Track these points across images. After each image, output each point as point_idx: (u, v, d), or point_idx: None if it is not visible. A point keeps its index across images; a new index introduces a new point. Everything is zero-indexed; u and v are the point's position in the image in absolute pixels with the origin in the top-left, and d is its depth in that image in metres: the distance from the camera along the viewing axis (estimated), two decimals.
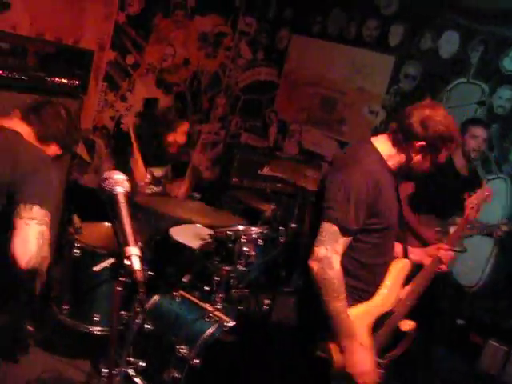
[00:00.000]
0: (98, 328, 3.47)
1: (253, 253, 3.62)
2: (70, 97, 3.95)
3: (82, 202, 3.92)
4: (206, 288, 3.63)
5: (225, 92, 6.28)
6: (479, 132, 4.23)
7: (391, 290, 2.63)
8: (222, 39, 6.08)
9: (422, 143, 2.47)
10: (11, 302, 2.63)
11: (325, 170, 5.67)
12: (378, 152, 2.53)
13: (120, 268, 1.59)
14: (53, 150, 2.37)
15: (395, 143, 2.53)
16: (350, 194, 2.36)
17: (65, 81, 3.97)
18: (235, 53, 6.26)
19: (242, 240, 3.59)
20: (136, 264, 1.58)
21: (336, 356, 2.43)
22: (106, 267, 3.22)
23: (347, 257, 2.45)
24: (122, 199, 1.70)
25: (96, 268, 3.17)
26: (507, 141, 4.89)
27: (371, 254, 2.52)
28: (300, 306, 2.76)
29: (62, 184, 2.85)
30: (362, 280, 2.53)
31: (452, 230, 4.13)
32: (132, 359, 3.34)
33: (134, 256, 1.59)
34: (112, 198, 1.70)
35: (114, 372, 3.24)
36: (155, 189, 4.30)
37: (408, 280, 2.73)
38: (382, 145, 2.55)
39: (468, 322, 5.45)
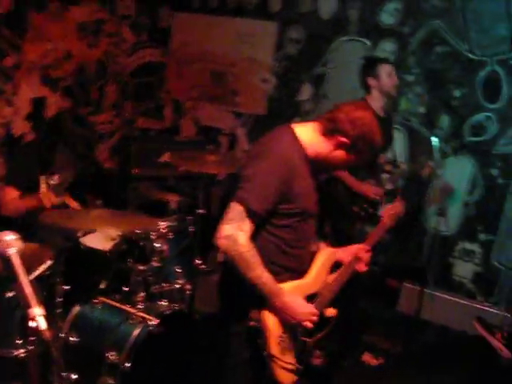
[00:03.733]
0: (23, 350, 3.42)
1: (165, 247, 3.65)
2: None
3: None
4: (125, 289, 3.65)
5: (113, 79, 6.16)
6: (391, 69, 4.27)
7: (319, 273, 2.71)
8: (102, 26, 5.94)
9: (345, 140, 2.50)
10: None
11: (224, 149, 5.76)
12: (296, 138, 2.53)
13: (28, 329, 1.58)
14: None
15: (321, 133, 2.55)
16: (261, 178, 2.41)
17: None
18: (118, 38, 6.13)
19: (152, 236, 3.61)
20: (42, 324, 1.56)
21: (268, 321, 2.49)
22: None
23: (267, 242, 2.52)
24: (16, 260, 1.65)
25: (10, 293, 3.11)
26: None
27: (290, 239, 2.56)
28: (222, 285, 2.78)
29: None
30: (283, 266, 2.59)
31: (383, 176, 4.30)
32: (64, 374, 3.33)
33: (38, 317, 1.57)
34: (6, 260, 1.65)
35: None
36: (55, 199, 4.15)
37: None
38: (305, 132, 2.56)
39: (382, 267, 5.72)
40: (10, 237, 1.68)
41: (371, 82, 4.25)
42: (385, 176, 4.35)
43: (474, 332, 4.13)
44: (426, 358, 4.40)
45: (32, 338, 1.64)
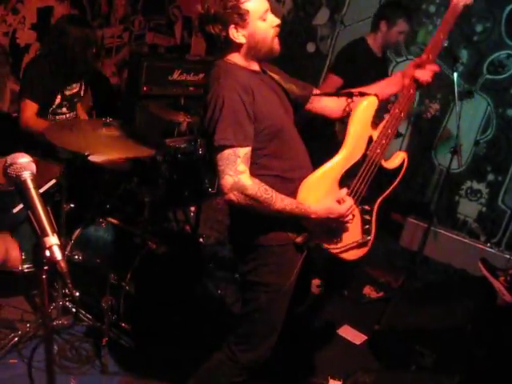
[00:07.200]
0: (26, 266, 3.41)
1: (172, 169, 3.59)
2: None
3: None
4: (131, 211, 3.61)
5: None
6: (406, 29, 4.13)
7: (355, 140, 2.50)
8: None
9: (236, 28, 2.31)
10: None
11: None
12: (235, 63, 2.39)
13: (42, 257, 1.47)
14: None
15: (229, 47, 2.38)
16: (226, 110, 2.24)
17: None
18: None
19: (159, 158, 3.54)
20: (57, 254, 1.46)
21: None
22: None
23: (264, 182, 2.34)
24: (31, 184, 1.53)
25: (15, 210, 3.07)
26: (414, 24, 4.87)
27: (280, 166, 2.43)
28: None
29: None
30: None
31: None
32: (67, 291, 3.34)
33: (54, 246, 1.47)
34: (20, 185, 1.53)
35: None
36: (67, 115, 4.03)
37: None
38: (235, 58, 2.41)
39: (387, 201, 5.69)
40: (24, 159, 1.56)
41: (382, 25, 4.09)
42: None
43: (475, 271, 4.14)
44: (426, 293, 4.43)
45: (46, 268, 1.50)
